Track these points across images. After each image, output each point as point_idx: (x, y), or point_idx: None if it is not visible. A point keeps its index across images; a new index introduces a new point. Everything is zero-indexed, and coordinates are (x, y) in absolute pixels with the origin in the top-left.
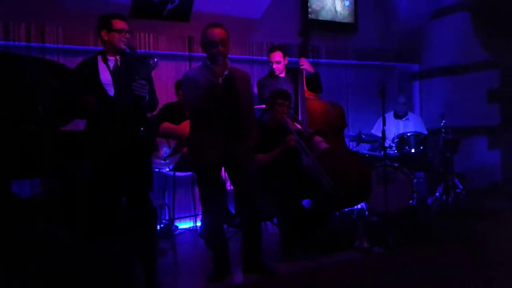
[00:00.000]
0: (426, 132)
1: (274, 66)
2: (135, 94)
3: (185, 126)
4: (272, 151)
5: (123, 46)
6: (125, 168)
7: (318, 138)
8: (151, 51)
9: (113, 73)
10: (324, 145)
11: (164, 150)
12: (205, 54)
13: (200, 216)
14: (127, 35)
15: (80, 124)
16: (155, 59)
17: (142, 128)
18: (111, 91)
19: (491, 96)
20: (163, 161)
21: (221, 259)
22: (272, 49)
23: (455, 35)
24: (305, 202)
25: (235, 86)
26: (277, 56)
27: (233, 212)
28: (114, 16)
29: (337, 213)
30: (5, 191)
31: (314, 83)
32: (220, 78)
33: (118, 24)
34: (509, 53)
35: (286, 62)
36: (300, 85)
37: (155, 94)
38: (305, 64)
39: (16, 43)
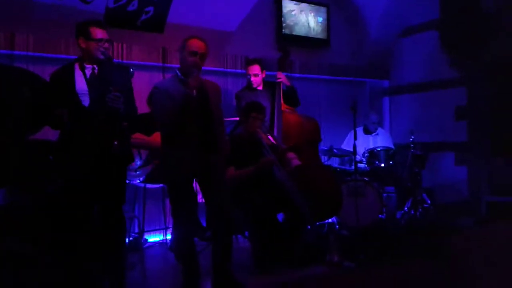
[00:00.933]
0: (393, 147)
1: (252, 78)
2: (109, 106)
3: (156, 137)
4: (246, 168)
5: (101, 56)
6: (99, 181)
7: (291, 155)
8: (124, 61)
9: (89, 81)
10: (296, 162)
11: (135, 162)
12: (178, 65)
13: (171, 229)
14: (106, 45)
15: (48, 133)
16: (131, 69)
17: (115, 142)
18: (86, 101)
19: (458, 113)
20: (134, 173)
21: (191, 273)
22: (250, 62)
23: (424, 53)
24: (279, 216)
25: (208, 97)
26: (255, 69)
27: (204, 225)
28: (93, 24)
29: (309, 227)
30: None
31: (290, 96)
32: (194, 90)
33: (97, 33)
34: (476, 71)
35: (263, 75)
36: (277, 98)
37: (134, 102)
38: (282, 78)
39: None
